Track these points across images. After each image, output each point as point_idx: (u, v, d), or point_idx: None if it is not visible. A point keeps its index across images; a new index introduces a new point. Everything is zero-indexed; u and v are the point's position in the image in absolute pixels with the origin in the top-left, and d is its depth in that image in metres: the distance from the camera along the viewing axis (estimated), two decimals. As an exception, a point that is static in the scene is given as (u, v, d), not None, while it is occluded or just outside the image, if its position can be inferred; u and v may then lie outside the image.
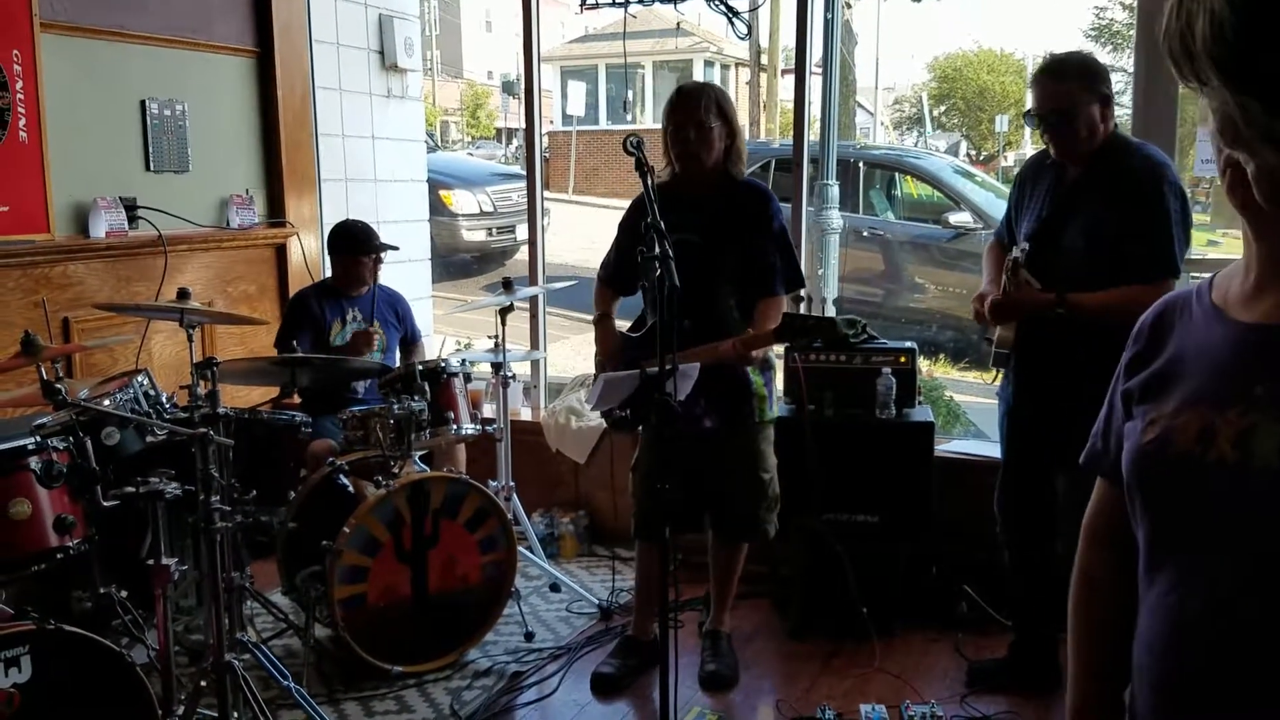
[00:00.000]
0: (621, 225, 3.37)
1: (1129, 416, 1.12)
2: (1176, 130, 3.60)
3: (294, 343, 3.58)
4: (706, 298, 3.09)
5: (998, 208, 8.36)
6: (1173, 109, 3.56)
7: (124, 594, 2.82)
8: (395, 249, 4.22)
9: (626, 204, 3.36)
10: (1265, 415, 0.95)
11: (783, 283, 3.21)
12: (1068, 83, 2.82)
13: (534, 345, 4.79)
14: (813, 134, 4.89)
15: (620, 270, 3.31)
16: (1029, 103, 2.94)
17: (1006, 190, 10.27)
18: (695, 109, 3.10)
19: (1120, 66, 17.59)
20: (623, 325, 3.42)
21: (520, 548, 3.66)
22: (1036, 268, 2.93)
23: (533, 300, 4.70)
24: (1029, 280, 2.92)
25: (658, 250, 2.39)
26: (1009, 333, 3.01)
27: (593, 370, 3.42)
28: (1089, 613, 1.28)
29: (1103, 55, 18.09)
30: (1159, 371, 1.09)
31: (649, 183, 2.54)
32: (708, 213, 3.12)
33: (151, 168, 4.28)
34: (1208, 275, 1.12)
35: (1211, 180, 3.62)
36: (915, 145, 20.64)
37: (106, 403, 3.00)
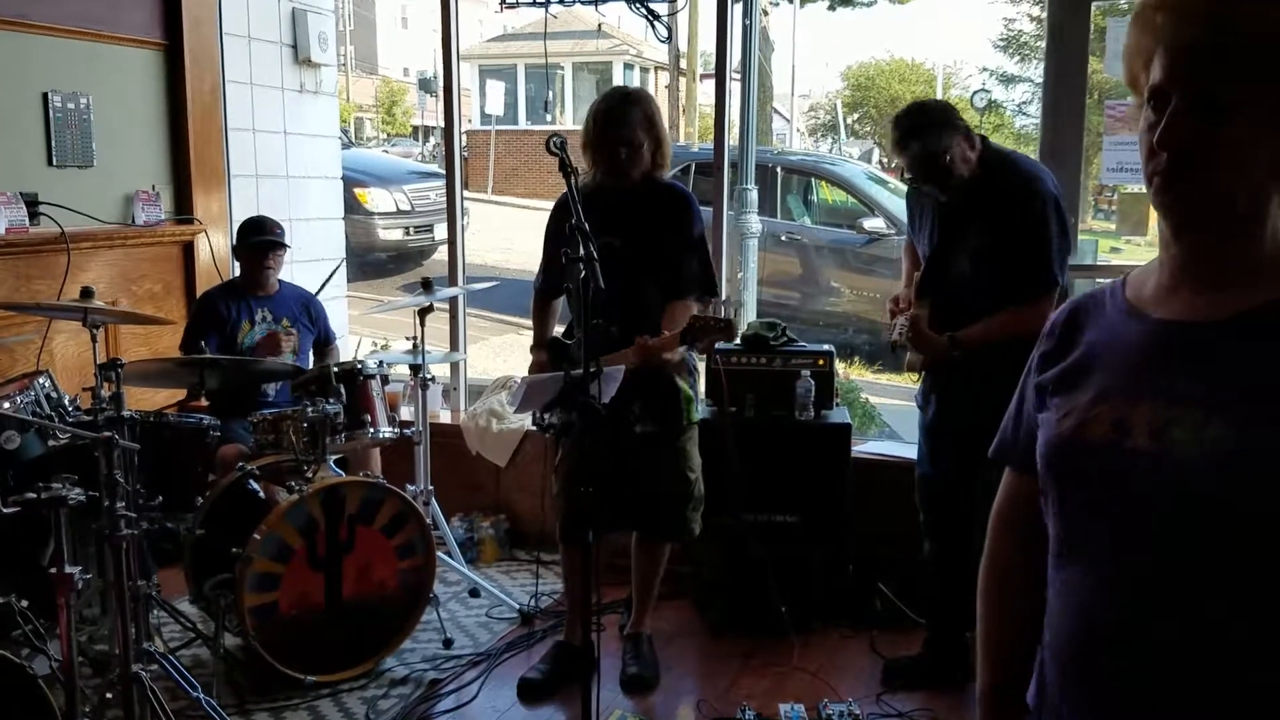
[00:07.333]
0: (547, 234, 3.31)
1: (1042, 408, 1.16)
2: (1083, 139, 3.72)
3: (201, 344, 3.49)
4: (631, 301, 3.08)
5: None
6: (1079, 119, 3.67)
7: (25, 603, 2.71)
8: (286, 247, 4.11)
9: (546, 204, 3.35)
10: (1181, 408, 1.00)
11: (695, 288, 3.21)
12: (923, 146, 2.89)
13: (454, 347, 4.74)
14: (732, 139, 4.93)
15: (549, 278, 3.29)
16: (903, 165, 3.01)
17: (919, 196, 10.53)
18: (626, 128, 3.06)
19: (1028, 76, 18.15)
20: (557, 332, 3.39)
21: (439, 553, 3.62)
22: (937, 295, 3.02)
23: (452, 301, 4.65)
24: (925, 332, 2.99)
25: (582, 252, 2.37)
26: (916, 358, 3.11)
27: (515, 373, 3.38)
28: (998, 599, 1.32)
29: (1011, 66, 18.61)
30: (1073, 365, 1.13)
31: (573, 184, 2.52)
32: (630, 215, 3.11)
33: (54, 162, 4.12)
34: (1113, 278, 1.17)
35: (1115, 188, 3.75)
36: (830, 152, 20.95)
37: (6, 405, 2.91)
